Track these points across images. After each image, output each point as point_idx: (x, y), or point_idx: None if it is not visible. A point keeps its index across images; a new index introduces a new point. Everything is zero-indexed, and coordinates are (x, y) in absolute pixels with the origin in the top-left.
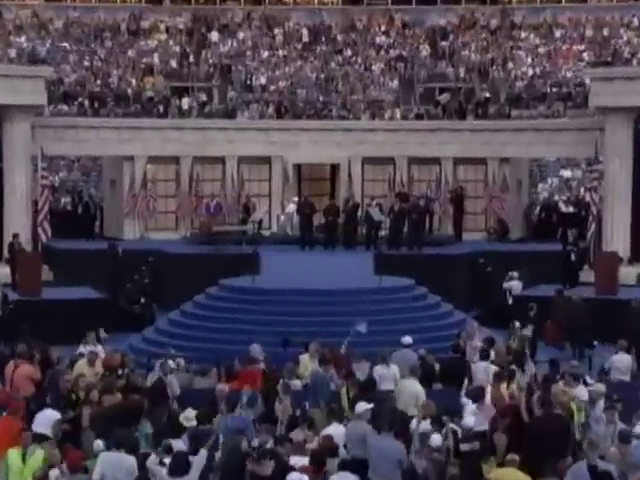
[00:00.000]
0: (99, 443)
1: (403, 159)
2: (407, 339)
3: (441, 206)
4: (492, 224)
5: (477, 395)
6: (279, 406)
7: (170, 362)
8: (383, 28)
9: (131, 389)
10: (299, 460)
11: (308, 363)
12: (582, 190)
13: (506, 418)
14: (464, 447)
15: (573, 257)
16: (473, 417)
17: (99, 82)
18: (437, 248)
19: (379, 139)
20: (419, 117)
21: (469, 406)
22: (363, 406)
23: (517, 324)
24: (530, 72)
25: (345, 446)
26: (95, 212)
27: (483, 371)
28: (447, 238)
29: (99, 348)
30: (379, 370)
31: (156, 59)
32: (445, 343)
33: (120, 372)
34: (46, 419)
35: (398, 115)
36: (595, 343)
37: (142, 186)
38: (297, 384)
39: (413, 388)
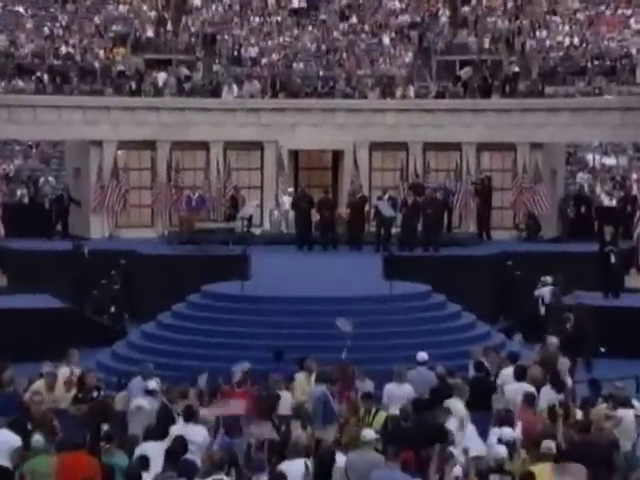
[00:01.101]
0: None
1: (418, 145)
2: (422, 355)
3: (462, 200)
4: (522, 220)
5: (506, 420)
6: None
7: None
8: None
9: (106, 414)
10: None
11: (304, 382)
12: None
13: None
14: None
15: (613, 259)
16: (503, 445)
17: (60, 54)
18: (457, 249)
19: (390, 121)
20: (437, 95)
21: (497, 432)
22: (370, 434)
23: (552, 340)
24: (567, 42)
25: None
26: (68, 206)
27: (515, 393)
28: (469, 237)
29: (65, 370)
30: (391, 389)
31: (127, 27)
32: (467, 360)
33: (95, 394)
34: (4, 447)
35: (412, 93)
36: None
37: (112, 176)
38: (285, 403)
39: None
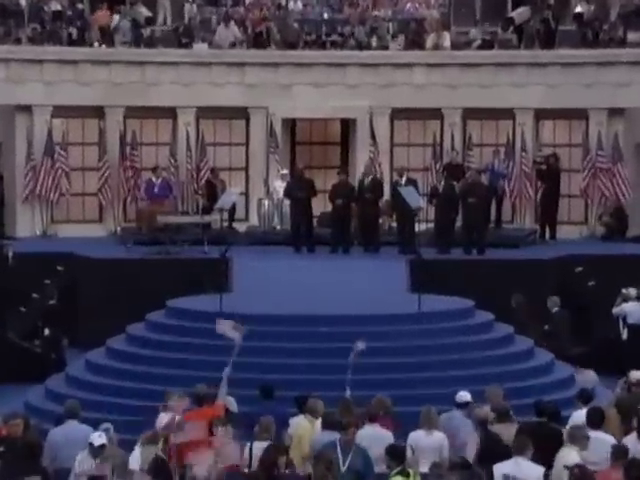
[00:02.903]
0: None
1: (455, 112)
2: (464, 395)
3: (516, 185)
4: (601, 213)
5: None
6: None
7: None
8: None
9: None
10: None
11: (305, 429)
12: None
13: None
14: None
15: None
16: None
17: None
18: (509, 251)
19: (418, 80)
20: (481, 45)
21: None
22: None
23: (637, 374)
24: None
25: None
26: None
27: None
28: (525, 235)
29: None
30: (418, 438)
31: None
32: (523, 400)
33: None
34: None
35: (447, 42)
36: None
37: (46, 153)
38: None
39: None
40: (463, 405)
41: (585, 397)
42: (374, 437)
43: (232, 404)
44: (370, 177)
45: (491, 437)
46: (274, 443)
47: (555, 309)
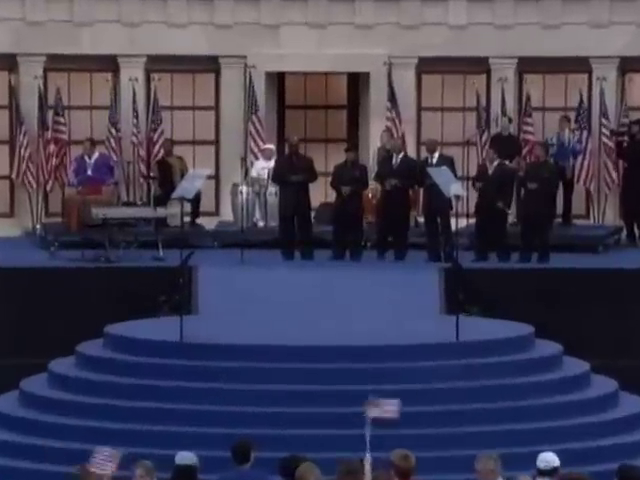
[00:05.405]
0: None
1: (508, 63)
2: (551, 459)
3: (591, 165)
4: None
5: None
6: None
7: None
8: None
9: None
10: None
11: None
12: None
13: None
14: None
15: None
16: None
17: None
18: (583, 256)
19: (455, 18)
20: None
21: None
22: None
23: None
24: None
25: None
26: None
27: None
28: (605, 234)
29: None
30: None
31: None
32: (603, 464)
33: None
34: None
35: None
36: None
37: None
38: None
39: None
40: (549, 472)
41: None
42: None
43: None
44: (401, 155)
45: None
46: None
47: None
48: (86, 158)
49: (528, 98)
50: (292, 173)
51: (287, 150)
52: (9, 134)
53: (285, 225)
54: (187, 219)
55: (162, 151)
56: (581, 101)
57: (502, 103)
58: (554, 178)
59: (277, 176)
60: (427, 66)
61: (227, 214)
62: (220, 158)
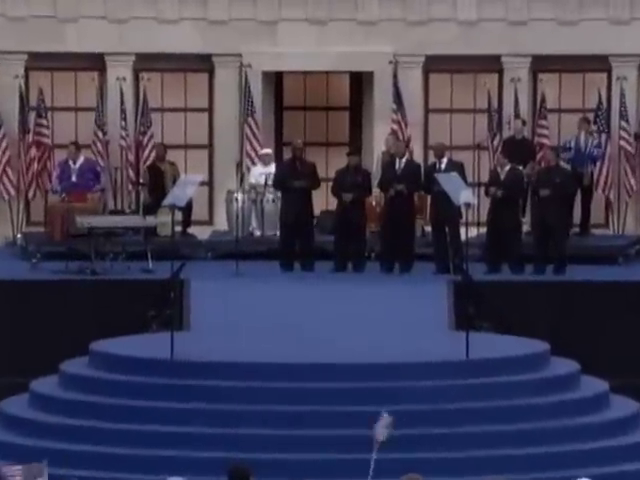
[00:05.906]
0: None
1: (521, 61)
2: None
3: (610, 171)
4: None
5: None
6: None
7: None
8: None
9: None
10: None
11: None
12: None
13: None
14: None
15: None
16: None
17: None
18: (602, 268)
19: (465, 15)
20: None
21: None
22: None
23: None
24: None
25: None
26: None
27: None
28: (626, 244)
29: None
30: None
31: None
32: None
33: None
34: None
35: None
36: None
37: None
38: None
39: None
40: None
41: None
42: None
43: None
44: (404, 159)
45: None
46: None
47: None
48: (70, 163)
49: (543, 99)
50: (295, 179)
51: (290, 154)
52: None
53: (286, 233)
54: (178, 228)
55: (152, 156)
56: (600, 102)
57: (515, 104)
58: (568, 183)
59: (279, 182)
60: (435, 65)
61: (221, 223)
62: (214, 163)
